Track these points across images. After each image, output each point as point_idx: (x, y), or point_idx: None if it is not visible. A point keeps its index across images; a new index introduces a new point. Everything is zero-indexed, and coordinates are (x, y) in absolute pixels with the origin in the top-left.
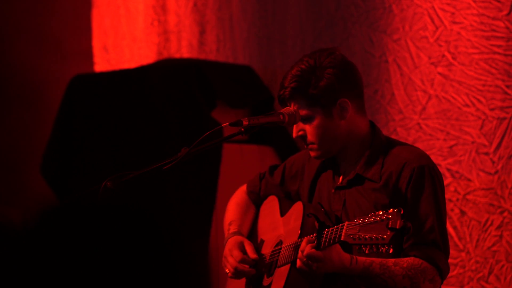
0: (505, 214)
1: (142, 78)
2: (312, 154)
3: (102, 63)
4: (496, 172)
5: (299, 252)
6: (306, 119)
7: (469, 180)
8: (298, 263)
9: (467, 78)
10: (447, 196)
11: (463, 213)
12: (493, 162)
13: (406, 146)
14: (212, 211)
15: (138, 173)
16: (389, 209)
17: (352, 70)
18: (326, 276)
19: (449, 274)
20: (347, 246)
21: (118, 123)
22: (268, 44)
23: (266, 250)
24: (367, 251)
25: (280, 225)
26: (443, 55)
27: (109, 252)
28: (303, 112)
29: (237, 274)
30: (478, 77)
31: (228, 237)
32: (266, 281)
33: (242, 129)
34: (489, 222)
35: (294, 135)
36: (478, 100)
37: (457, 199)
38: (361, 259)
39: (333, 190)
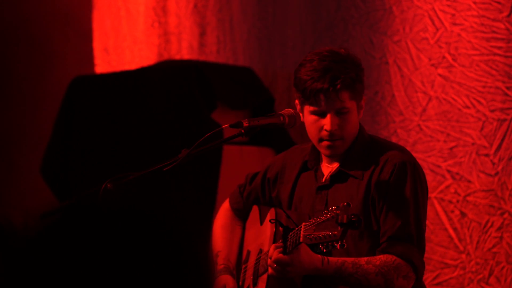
0: (506, 215)
1: (142, 79)
2: (335, 150)
3: (102, 65)
4: (497, 173)
5: (268, 259)
6: (344, 113)
7: (470, 181)
8: (269, 270)
9: (467, 80)
10: (447, 197)
11: (463, 214)
12: (494, 164)
13: (388, 143)
14: (212, 212)
15: (138, 174)
16: (340, 204)
17: None
18: (303, 280)
19: (449, 276)
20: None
21: (119, 125)
22: (269, 46)
23: (252, 259)
24: (324, 250)
25: (260, 234)
26: (444, 57)
27: (109, 253)
28: (345, 106)
29: None
30: (478, 78)
31: (216, 275)
32: None
33: (243, 131)
34: (489, 224)
35: (331, 127)
36: (479, 102)
37: (458, 201)
38: (333, 259)
39: (314, 191)
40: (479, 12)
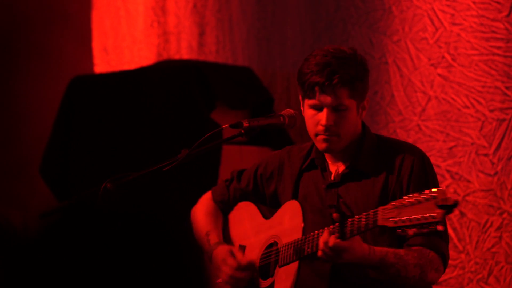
0: (505, 215)
1: (141, 79)
2: (331, 146)
3: (102, 65)
4: (496, 173)
5: (321, 244)
6: (341, 110)
7: (469, 181)
8: (320, 253)
9: (466, 80)
10: None
11: (462, 214)
12: (493, 164)
13: (397, 141)
14: None
15: (138, 174)
16: (428, 187)
17: None
18: (334, 270)
19: (449, 276)
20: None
21: (118, 125)
22: (268, 46)
23: (253, 254)
24: (411, 233)
25: (268, 228)
26: (443, 57)
27: (108, 253)
28: (342, 103)
29: (233, 281)
30: (477, 78)
31: (213, 248)
32: (264, 283)
33: (242, 131)
34: (488, 224)
35: (326, 122)
36: (478, 102)
37: None
38: (378, 249)
39: (324, 186)
40: (479, 12)
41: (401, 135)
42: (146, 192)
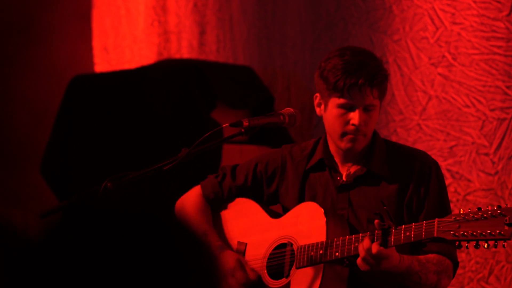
0: None
1: (142, 78)
2: (356, 145)
3: (102, 64)
4: (496, 172)
5: (363, 251)
6: (370, 110)
7: (469, 180)
8: (359, 260)
9: (467, 79)
10: None
11: None
12: (493, 163)
13: (407, 147)
14: None
15: (138, 173)
16: (447, 206)
17: None
18: (351, 275)
19: None
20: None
21: (118, 124)
22: (268, 45)
23: (257, 252)
24: (471, 247)
25: (276, 227)
26: (443, 56)
27: (108, 252)
28: (373, 103)
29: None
30: (478, 77)
31: (217, 251)
32: (275, 283)
33: (242, 130)
34: None
35: (358, 122)
36: (478, 101)
37: (457, 200)
38: (406, 257)
39: (335, 188)
40: (479, 11)
41: (402, 135)
42: (146, 191)
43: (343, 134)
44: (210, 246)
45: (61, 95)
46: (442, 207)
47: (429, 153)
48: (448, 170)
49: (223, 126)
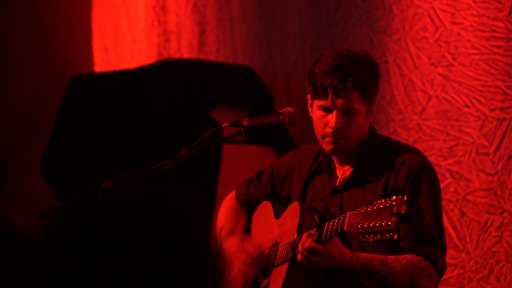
0: (505, 214)
1: (142, 78)
2: (337, 148)
3: (102, 64)
4: (496, 172)
5: (300, 246)
6: (350, 114)
7: (469, 180)
8: (299, 257)
9: (467, 79)
10: (447, 196)
11: (463, 213)
12: (493, 163)
13: (401, 145)
14: (212, 211)
15: (138, 173)
16: (392, 196)
17: None
18: (324, 273)
19: (449, 275)
20: (346, 240)
21: (118, 124)
22: (268, 45)
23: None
24: (370, 239)
25: (275, 227)
26: (443, 56)
27: (108, 252)
28: (352, 107)
29: (245, 276)
30: (478, 77)
31: (223, 240)
32: (263, 283)
33: (242, 130)
34: (489, 223)
35: (335, 125)
36: (478, 101)
37: (457, 200)
38: (361, 255)
39: (329, 192)
40: (479, 11)
41: (402, 134)
42: (146, 191)
43: (323, 136)
44: (220, 237)
45: (61, 95)
46: (428, 208)
47: (429, 153)
48: (448, 170)
49: (223, 125)
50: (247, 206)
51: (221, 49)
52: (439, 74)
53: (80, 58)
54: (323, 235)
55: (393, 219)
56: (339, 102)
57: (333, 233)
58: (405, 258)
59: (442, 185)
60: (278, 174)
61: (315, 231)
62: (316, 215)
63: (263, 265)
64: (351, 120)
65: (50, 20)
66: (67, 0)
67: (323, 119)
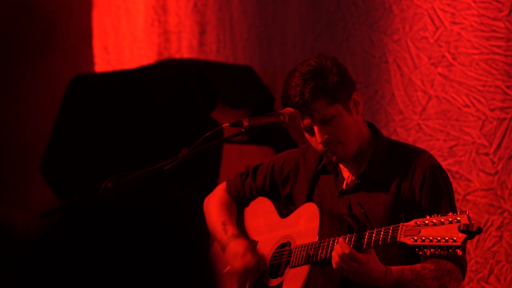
0: (505, 214)
1: (142, 78)
2: (339, 156)
3: (102, 64)
4: (496, 172)
5: (335, 251)
6: (329, 120)
7: (469, 180)
8: (336, 261)
9: (467, 79)
10: None
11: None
12: (493, 163)
13: (410, 147)
14: None
15: (138, 173)
16: (453, 211)
17: (347, 69)
18: (344, 278)
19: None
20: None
21: (118, 124)
22: (268, 45)
23: (264, 251)
24: (428, 253)
25: (282, 226)
26: (443, 56)
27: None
28: (326, 114)
29: (241, 279)
30: (478, 77)
31: (229, 239)
32: (272, 282)
33: (242, 130)
34: (489, 223)
35: (320, 139)
36: (478, 101)
37: (457, 200)
38: (394, 269)
39: (336, 194)
40: (479, 11)
41: (402, 134)
42: (146, 191)
43: (323, 152)
44: (225, 233)
45: (61, 95)
46: (448, 210)
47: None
48: (448, 170)
49: (223, 126)
50: (239, 201)
51: (221, 49)
52: (439, 74)
53: (80, 58)
54: (365, 243)
55: (459, 235)
56: (311, 117)
57: (379, 242)
58: (433, 263)
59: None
60: (280, 171)
61: (352, 237)
62: (356, 222)
63: (270, 264)
64: (334, 125)
65: (50, 20)
66: (67, 0)
67: (312, 140)
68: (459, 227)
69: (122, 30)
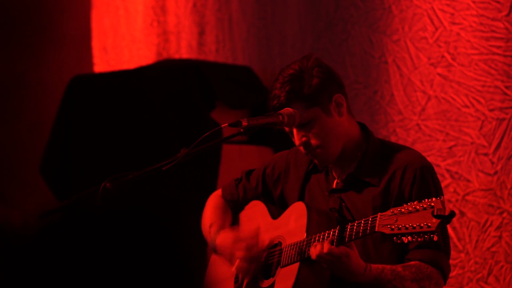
0: (505, 214)
1: (141, 79)
2: (320, 159)
3: (101, 64)
4: (496, 173)
5: (321, 246)
6: (307, 123)
7: (469, 181)
8: (313, 254)
9: (466, 79)
10: (446, 197)
11: (462, 214)
12: (493, 163)
13: (401, 148)
14: None
15: (137, 174)
16: (430, 198)
17: (333, 70)
18: (332, 277)
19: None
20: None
21: (118, 124)
22: (268, 45)
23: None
24: (406, 241)
25: (274, 228)
26: (443, 56)
27: (107, 252)
28: (302, 117)
29: (247, 265)
30: (477, 78)
31: (214, 236)
32: (265, 283)
33: (241, 130)
34: (488, 223)
35: (298, 142)
36: (478, 101)
37: (457, 200)
38: (374, 266)
39: (327, 193)
40: (478, 11)
41: (401, 135)
42: (145, 192)
43: (306, 154)
44: (210, 234)
45: (61, 95)
46: None
47: (428, 153)
48: (447, 170)
49: (222, 126)
50: (234, 205)
51: (220, 49)
52: (439, 74)
53: (79, 59)
54: (347, 236)
55: (434, 221)
56: (288, 121)
57: (360, 234)
58: (414, 266)
59: (441, 185)
60: (272, 173)
61: (335, 231)
62: (337, 216)
63: (262, 263)
64: (313, 128)
65: (49, 20)
66: (66, 0)
67: (296, 142)
68: (432, 213)
69: (121, 31)
